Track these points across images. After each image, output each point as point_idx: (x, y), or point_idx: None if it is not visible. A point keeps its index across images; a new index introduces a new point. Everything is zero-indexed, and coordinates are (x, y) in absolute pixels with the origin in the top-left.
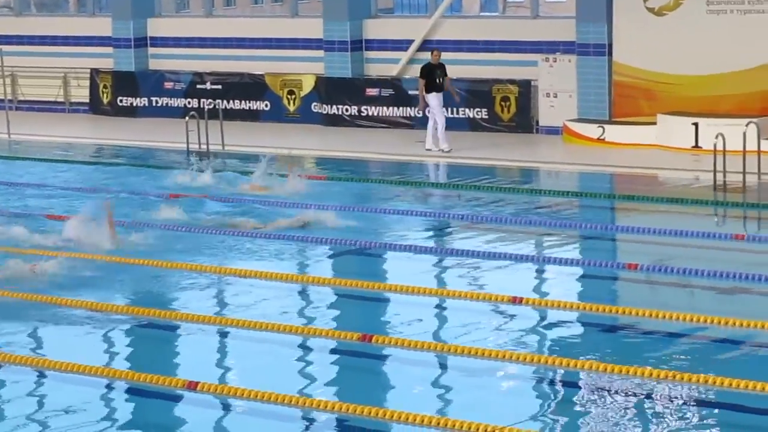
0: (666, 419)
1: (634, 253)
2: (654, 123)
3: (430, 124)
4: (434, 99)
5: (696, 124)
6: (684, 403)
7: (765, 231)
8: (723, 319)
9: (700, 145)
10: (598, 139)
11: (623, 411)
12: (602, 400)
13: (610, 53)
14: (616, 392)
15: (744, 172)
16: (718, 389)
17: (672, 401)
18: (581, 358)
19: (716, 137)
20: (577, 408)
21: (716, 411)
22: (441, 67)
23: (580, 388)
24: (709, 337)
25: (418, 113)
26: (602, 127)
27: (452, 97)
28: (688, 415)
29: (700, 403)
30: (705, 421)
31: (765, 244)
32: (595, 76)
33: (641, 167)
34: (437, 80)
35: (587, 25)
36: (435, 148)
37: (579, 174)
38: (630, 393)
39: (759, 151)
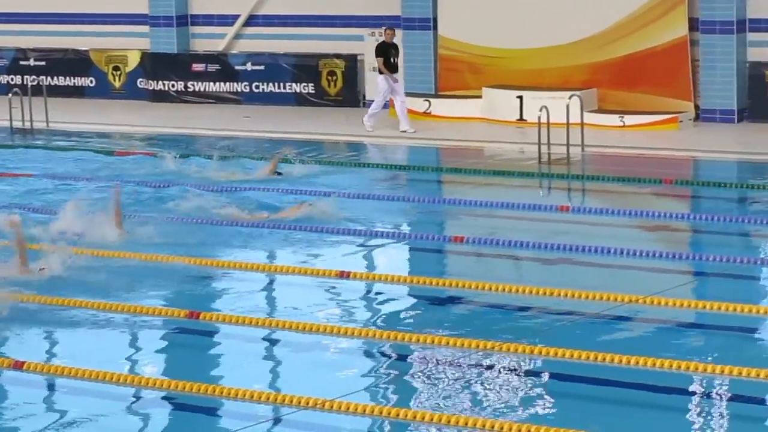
0: (495, 390)
1: (462, 226)
2: (479, 96)
3: (398, 106)
4: (384, 81)
5: (520, 98)
6: (513, 374)
7: (589, 202)
8: (549, 290)
9: (524, 118)
10: (425, 112)
11: (453, 382)
12: (432, 372)
13: (436, 27)
14: (446, 364)
15: (568, 145)
16: (545, 359)
17: (501, 372)
18: (411, 331)
19: (540, 110)
20: (408, 380)
21: (544, 381)
22: (395, 47)
23: (410, 360)
24: (535, 308)
25: (245, 89)
26: (428, 101)
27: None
28: (517, 385)
29: (529, 373)
30: (533, 391)
31: (589, 215)
32: (421, 51)
33: (467, 140)
34: (391, 59)
35: (412, 0)
36: (410, 129)
37: (406, 148)
38: (460, 365)
39: (582, 124)
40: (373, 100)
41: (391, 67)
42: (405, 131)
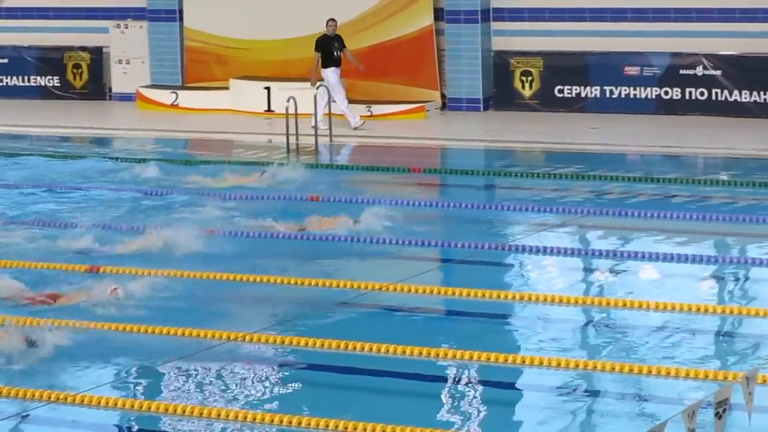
0: (245, 381)
1: (212, 219)
2: (227, 88)
3: (340, 104)
4: (332, 74)
5: (268, 89)
6: (263, 364)
7: (338, 192)
8: (298, 279)
9: (272, 108)
10: (172, 104)
11: (203, 375)
12: (183, 364)
13: (182, 19)
14: (196, 356)
15: (316, 135)
16: (294, 348)
17: (251, 363)
18: (159, 324)
19: (288, 101)
20: (157, 373)
21: (295, 370)
22: (338, 39)
23: (159, 352)
24: (284, 298)
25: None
26: (175, 92)
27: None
28: (267, 375)
29: (279, 363)
30: (284, 382)
31: (338, 204)
32: (167, 42)
33: (215, 132)
34: (335, 53)
35: None
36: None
37: (154, 140)
38: (209, 357)
39: (330, 114)
40: (118, 92)
41: (334, 62)
42: (313, 126)
